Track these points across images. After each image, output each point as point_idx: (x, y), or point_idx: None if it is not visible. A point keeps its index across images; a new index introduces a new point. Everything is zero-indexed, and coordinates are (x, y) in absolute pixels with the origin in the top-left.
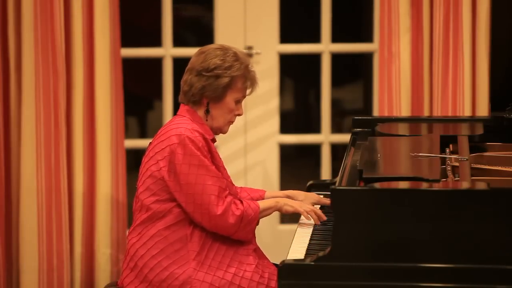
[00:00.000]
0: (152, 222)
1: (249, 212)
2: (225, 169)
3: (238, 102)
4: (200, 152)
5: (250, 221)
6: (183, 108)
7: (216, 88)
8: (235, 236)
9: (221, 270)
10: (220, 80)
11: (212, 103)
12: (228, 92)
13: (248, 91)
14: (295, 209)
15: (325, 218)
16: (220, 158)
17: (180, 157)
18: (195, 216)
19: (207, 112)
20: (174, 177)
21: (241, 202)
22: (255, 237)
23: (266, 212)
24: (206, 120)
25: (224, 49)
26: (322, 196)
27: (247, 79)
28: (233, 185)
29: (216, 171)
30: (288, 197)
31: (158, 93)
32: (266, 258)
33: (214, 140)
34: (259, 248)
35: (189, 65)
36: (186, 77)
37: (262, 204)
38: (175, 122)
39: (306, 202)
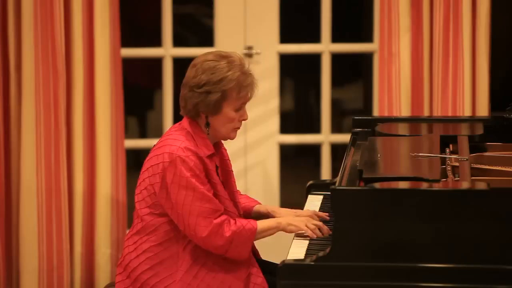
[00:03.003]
0: (146, 235)
1: (242, 234)
2: (222, 185)
3: (239, 109)
4: (191, 173)
5: (243, 242)
6: (186, 120)
7: (208, 104)
8: (227, 256)
9: None
10: (211, 96)
11: (210, 116)
12: (223, 104)
13: (247, 97)
14: (299, 228)
15: (329, 232)
16: (218, 175)
17: (171, 176)
18: (186, 234)
19: (207, 125)
20: (166, 195)
21: (235, 222)
22: (253, 258)
23: (267, 233)
24: (208, 133)
25: (217, 60)
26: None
27: (242, 88)
28: (237, 196)
29: (206, 192)
30: (274, 213)
31: (158, 93)
32: (261, 277)
33: (214, 154)
34: (258, 270)
35: (184, 79)
36: (182, 91)
37: (262, 224)
38: (172, 137)
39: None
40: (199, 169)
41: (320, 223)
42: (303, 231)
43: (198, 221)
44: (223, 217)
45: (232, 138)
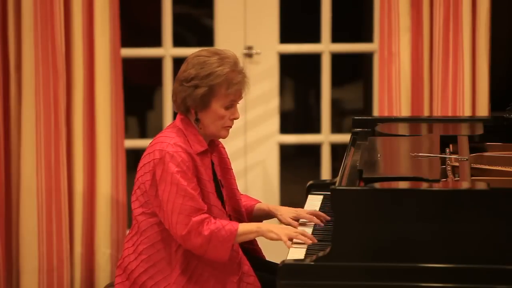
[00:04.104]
0: (141, 236)
1: (221, 233)
2: (212, 182)
3: (230, 107)
4: (178, 168)
5: (222, 242)
6: (178, 117)
7: (195, 99)
8: (207, 256)
9: None
10: (198, 90)
11: (199, 111)
12: (212, 100)
13: (237, 95)
14: (279, 238)
15: (315, 240)
16: (211, 172)
17: (160, 173)
18: (171, 233)
19: (197, 120)
20: (156, 192)
21: (215, 222)
22: (243, 256)
23: (246, 236)
24: (199, 129)
25: (209, 55)
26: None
27: (231, 85)
28: (237, 193)
29: (189, 190)
30: (275, 210)
31: (158, 93)
32: (253, 276)
33: (208, 150)
34: (250, 269)
35: (177, 74)
36: (173, 86)
37: (243, 227)
38: (163, 135)
39: (285, 216)
40: (187, 165)
41: (302, 231)
42: (283, 241)
43: (179, 219)
44: (204, 215)
45: (223, 137)
